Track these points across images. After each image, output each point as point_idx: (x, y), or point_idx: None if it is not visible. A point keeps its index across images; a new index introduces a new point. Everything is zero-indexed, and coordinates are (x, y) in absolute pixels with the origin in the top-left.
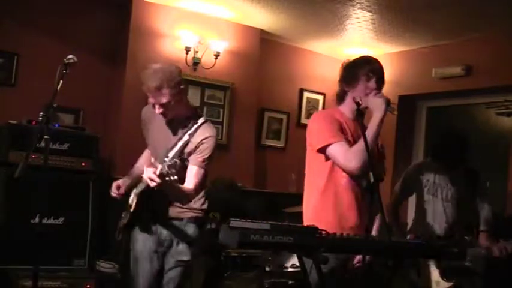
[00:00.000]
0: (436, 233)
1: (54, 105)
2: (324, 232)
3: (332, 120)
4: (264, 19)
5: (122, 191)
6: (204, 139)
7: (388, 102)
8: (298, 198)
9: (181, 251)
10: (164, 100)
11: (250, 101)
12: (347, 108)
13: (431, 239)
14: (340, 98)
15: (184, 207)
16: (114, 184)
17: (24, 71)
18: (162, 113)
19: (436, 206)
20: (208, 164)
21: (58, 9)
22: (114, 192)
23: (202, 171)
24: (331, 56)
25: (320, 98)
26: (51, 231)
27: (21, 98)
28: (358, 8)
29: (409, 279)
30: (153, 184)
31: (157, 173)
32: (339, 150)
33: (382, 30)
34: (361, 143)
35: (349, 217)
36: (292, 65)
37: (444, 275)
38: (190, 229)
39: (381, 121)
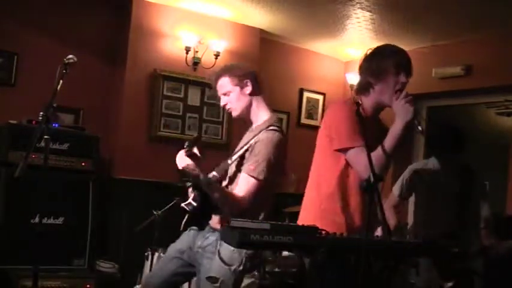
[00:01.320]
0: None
1: (54, 105)
2: (324, 232)
3: (355, 121)
4: (263, 19)
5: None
6: (257, 141)
7: (416, 113)
8: (298, 198)
9: (210, 267)
10: (223, 90)
11: None
12: (370, 103)
13: (435, 237)
14: (364, 88)
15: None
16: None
17: (24, 71)
18: (225, 107)
19: (435, 205)
20: (262, 174)
21: (58, 9)
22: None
23: (252, 179)
24: (331, 56)
25: (320, 98)
26: (51, 231)
27: (21, 98)
28: (358, 8)
29: (408, 279)
30: (181, 164)
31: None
32: (360, 157)
33: (382, 30)
34: (380, 150)
35: (357, 219)
36: (292, 65)
37: (443, 276)
38: (225, 247)
39: (404, 129)
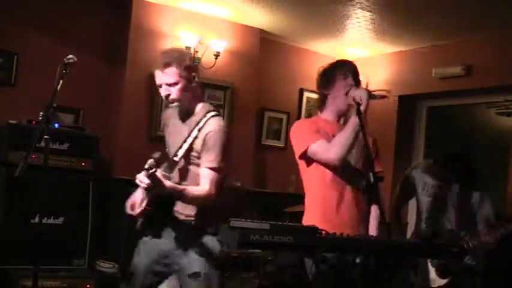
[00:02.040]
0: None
1: (54, 105)
2: (324, 232)
3: (309, 125)
4: (263, 19)
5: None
6: (209, 132)
7: (369, 92)
8: (298, 198)
9: (189, 263)
10: (171, 80)
11: (250, 101)
12: (330, 113)
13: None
14: (321, 101)
15: (183, 213)
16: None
17: (24, 71)
18: (167, 97)
19: (436, 207)
20: (222, 163)
21: (58, 9)
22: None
23: (213, 172)
24: (331, 56)
25: None
26: (51, 231)
27: (21, 98)
28: (358, 8)
29: (408, 279)
30: (142, 185)
31: (146, 174)
32: (318, 147)
33: (382, 30)
34: (340, 135)
35: (336, 214)
36: (292, 65)
37: (440, 273)
38: (196, 241)
39: (365, 111)
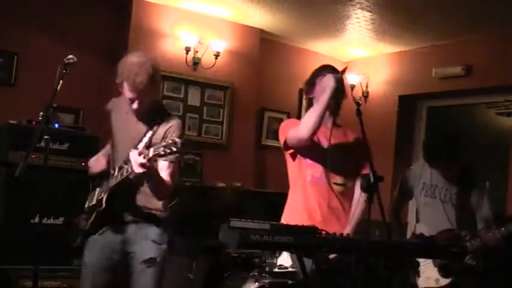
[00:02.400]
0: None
1: (54, 105)
2: (323, 232)
3: (293, 122)
4: (263, 19)
5: (103, 165)
6: (170, 127)
7: (337, 77)
8: None
9: (145, 250)
10: (146, 97)
11: (250, 101)
12: None
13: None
14: (309, 107)
15: (147, 207)
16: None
17: (24, 71)
18: (136, 110)
19: (435, 207)
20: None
21: (58, 9)
22: (96, 167)
23: (172, 164)
24: (331, 56)
25: None
26: (51, 231)
27: (21, 98)
28: (358, 8)
29: (408, 279)
30: (139, 170)
31: (150, 155)
32: (292, 131)
33: (382, 30)
34: (307, 113)
35: (317, 212)
36: (292, 65)
37: (442, 272)
38: (152, 230)
39: (331, 90)
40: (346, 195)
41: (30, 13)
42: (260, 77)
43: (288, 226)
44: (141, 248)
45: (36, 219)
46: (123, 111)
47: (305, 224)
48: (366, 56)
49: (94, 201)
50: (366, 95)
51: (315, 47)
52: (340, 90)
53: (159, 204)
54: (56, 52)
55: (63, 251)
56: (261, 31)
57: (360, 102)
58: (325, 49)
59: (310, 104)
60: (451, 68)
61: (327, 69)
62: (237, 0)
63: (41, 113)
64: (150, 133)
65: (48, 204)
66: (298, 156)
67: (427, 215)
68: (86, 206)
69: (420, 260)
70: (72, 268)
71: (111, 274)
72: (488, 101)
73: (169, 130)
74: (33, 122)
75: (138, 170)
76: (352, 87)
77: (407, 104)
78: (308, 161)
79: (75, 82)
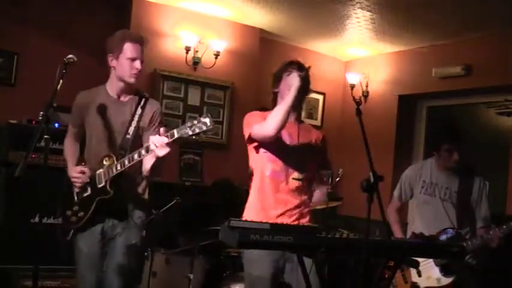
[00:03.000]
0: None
1: (54, 104)
2: (323, 232)
3: (257, 115)
4: (263, 19)
5: (86, 178)
6: (155, 111)
7: (301, 77)
8: None
9: (126, 236)
10: (143, 57)
11: (250, 100)
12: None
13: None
14: (273, 101)
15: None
16: (78, 169)
17: (24, 70)
18: (139, 71)
19: (435, 205)
20: None
21: (58, 9)
22: (79, 179)
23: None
24: (331, 56)
25: (320, 97)
26: (51, 231)
27: (21, 98)
28: (358, 8)
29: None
30: (163, 152)
31: (176, 135)
32: (257, 126)
33: (382, 30)
34: (275, 109)
35: (273, 206)
36: None
37: (444, 272)
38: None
39: (296, 89)
40: (303, 190)
41: (30, 13)
42: (260, 77)
43: (288, 226)
44: (125, 232)
45: (36, 219)
46: (99, 103)
47: (261, 220)
48: (365, 56)
49: (89, 192)
50: (365, 95)
51: (315, 46)
52: (304, 89)
53: (141, 190)
54: (56, 52)
55: (63, 251)
56: (261, 31)
57: (360, 101)
58: (325, 49)
59: (274, 98)
60: (451, 68)
61: (293, 65)
62: (237, 0)
63: (41, 113)
64: (136, 117)
65: (48, 204)
66: (261, 149)
67: (427, 213)
68: (77, 199)
69: (420, 259)
70: (72, 268)
71: (103, 259)
72: (488, 100)
73: (155, 114)
74: (33, 122)
75: (162, 152)
76: (352, 86)
77: (407, 103)
78: (270, 155)
79: (75, 82)
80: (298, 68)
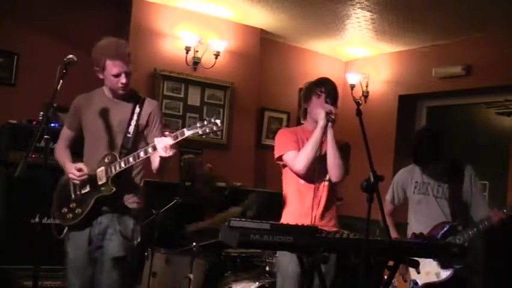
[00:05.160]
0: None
1: (54, 104)
2: (323, 232)
3: (289, 135)
4: (264, 19)
5: (84, 175)
6: (152, 110)
7: (327, 113)
8: None
9: (114, 247)
10: (130, 69)
11: (250, 100)
12: (309, 123)
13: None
14: (303, 114)
15: (128, 198)
16: (77, 166)
17: (24, 70)
18: (125, 85)
19: (429, 203)
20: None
21: (58, 9)
22: (77, 176)
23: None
24: (331, 56)
25: None
26: (51, 231)
27: (21, 98)
28: (358, 8)
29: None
30: (170, 153)
31: (186, 134)
32: (290, 157)
33: (382, 30)
34: (303, 149)
35: (310, 209)
36: (292, 64)
37: (442, 264)
38: (124, 224)
39: (322, 128)
40: (333, 189)
41: (30, 13)
42: (260, 77)
43: (288, 226)
44: (111, 243)
45: (36, 219)
46: (96, 104)
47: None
48: (366, 56)
49: (88, 189)
50: (366, 95)
51: (315, 46)
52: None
53: (135, 195)
54: (56, 52)
55: (64, 251)
56: (262, 31)
57: (360, 102)
58: (325, 49)
59: (304, 113)
60: (451, 68)
61: (322, 86)
62: (237, 0)
63: (41, 113)
64: (135, 116)
65: (48, 204)
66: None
67: (422, 212)
68: (74, 196)
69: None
70: None
71: (95, 263)
72: (488, 101)
73: (153, 112)
74: (33, 122)
75: (169, 153)
76: (352, 87)
77: (407, 103)
78: None
79: (75, 82)
80: (327, 93)
